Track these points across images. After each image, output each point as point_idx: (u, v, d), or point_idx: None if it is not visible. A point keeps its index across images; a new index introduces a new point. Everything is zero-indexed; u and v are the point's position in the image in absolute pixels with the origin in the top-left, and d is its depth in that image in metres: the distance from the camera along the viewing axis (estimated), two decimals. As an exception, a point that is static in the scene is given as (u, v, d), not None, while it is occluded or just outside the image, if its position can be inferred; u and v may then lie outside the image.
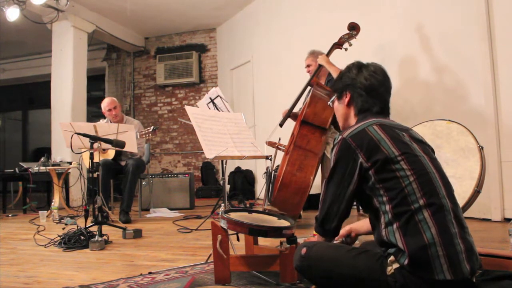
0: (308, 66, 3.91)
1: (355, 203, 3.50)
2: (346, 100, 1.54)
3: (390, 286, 1.25)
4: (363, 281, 1.30)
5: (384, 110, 1.52)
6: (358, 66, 1.55)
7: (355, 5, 4.54)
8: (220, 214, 1.81)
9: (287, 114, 3.67)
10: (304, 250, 1.43)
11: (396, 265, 1.24)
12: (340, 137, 1.40)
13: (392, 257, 1.26)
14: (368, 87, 1.50)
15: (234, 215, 1.80)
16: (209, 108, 4.11)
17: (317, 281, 1.45)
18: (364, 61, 1.60)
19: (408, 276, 1.22)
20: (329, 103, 1.67)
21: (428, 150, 1.41)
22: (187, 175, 5.43)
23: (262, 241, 2.14)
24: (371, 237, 1.46)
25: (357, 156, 1.33)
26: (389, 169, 1.29)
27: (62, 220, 4.09)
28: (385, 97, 1.52)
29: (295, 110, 3.74)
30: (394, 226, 1.25)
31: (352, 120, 1.55)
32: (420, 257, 1.20)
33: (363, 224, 1.66)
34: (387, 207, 1.28)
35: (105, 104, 4.42)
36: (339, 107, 1.60)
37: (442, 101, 3.72)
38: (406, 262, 1.21)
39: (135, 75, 8.29)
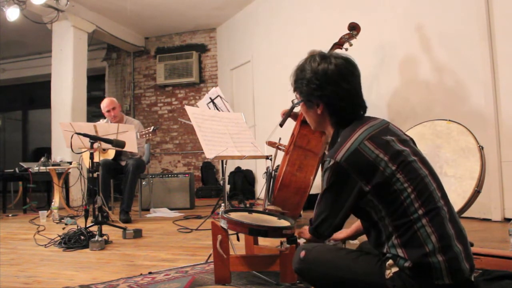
0: (308, 66, 3.91)
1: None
2: (319, 111, 1.40)
3: None
4: (362, 284, 1.30)
5: (362, 108, 1.42)
6: (324, 64, 1.36)
7: (355, 5, 4.54)
8: (220, 214, 1.81)
9: (287, 114, 3.66)
10: (303, 253, 1.42)
11: (395, 269, 1.24)
12: (333, 161, 1.28)
13: (390, 261, 1.25)
14: (343, 96, 1.36)
15: (234, 215, 1.80)
16: (209, 108, 4.11)
17: (316, 284, 1.45)
18: (359, 60, 1.46)
19: (407, 280, 1.22)
20: (295, 102, 1.53)
21: (415, 149, 1.36)
22: (187, 175, 5.43)
23: (262, 241, 2.14)
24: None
25: (354, 181, 1.26)
26: (388, 185, 1.25)
27: (62, 220, 4.09)
28: (360, 94, 1.40)
29: (295, 110, 3.74)
30: (393, 236, 1.24)
31: (329, 128, 1.44)
32: (421, 264, 1.20)
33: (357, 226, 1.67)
34: (387, 221, 1.25)
35: (104, 105, 4.42)
36: (309, 112, 1.45)
37: (442, 101, 3.72)
38: (407, 265, 1.21)
39: (135, 75, 8.29)
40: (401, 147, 1.30)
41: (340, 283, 1.34)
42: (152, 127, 4.01)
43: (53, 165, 4.86)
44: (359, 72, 1.40)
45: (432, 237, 1.20)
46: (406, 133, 1.43)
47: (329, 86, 1.35)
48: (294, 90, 1.48)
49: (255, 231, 1.72)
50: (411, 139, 1.40)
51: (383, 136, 1.31)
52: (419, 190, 1.24)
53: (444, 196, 1.30)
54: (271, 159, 3.14)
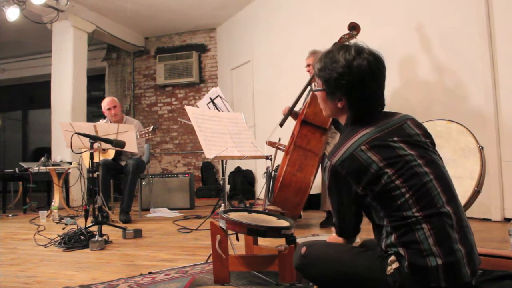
0: (308, 65, 3.91)
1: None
2: (340, 105, 1.39)
3: (390, 285, 1.25)
4: (363, 280, 1.30)
5: (381, 106, 1.41)
6: (358, 60, 1.33)
7: (355, 5, 4.54)
8: (219, 214, 1.81)
9: (287, 114, 3.66)
10: (304, 249, 1.43)
11: (396, 265, 1.24)
12: (329, 163, 1.34)
13: (393, 257, 1.25)
14: (369, 96, 1.36)
15: (233, 215, 1.80)
16: (209, 108, 4.11)
17: (317, 280, 1.45)
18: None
19: (406, 277, 1.22)
20: (314, 89, 1.60)
21: (426, 151, 1.33)
22: (187, 175, 5.44)
23: (262, 241, 2.14)
24: (371, 236, 1.47)
25: (349, 183, 1.31)
26: (384, 190, 1.26)
27: (62, 220, 4.09)
28: (383, 94, 1.40)
29: (296, 109, 3.74)
30: (393, 237, 1.25)
31: (343, 118, 1.44)
32: (419, 266, 1.20)
33: None
34: (385, 221, 1.27)
35: (105, 103, 4.43)
36: (328, 103, 1.43)
37: (442, 101, 3.72)
38: (406, 264, 1.22)
39: (135, 75, 8.29)
40: (405, 151, 1.28)
41: (341, 278, 1.35)
42: (152, 127, 4.02)
43: (53, 165, 4.86)
44: (385, 69, 1.39)
45: (430, 240, 1.20)
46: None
47: (359, 84, 1.34)
48: (318, 77, 1.43)
49: (254, 231, 1.72)
50: (432, 142, 1.37)
51: (388, 138, 1.30)
52: (418, 196, 1.23)
53: (452, 199, 1.28)
54: (271, 159, 3.14)
